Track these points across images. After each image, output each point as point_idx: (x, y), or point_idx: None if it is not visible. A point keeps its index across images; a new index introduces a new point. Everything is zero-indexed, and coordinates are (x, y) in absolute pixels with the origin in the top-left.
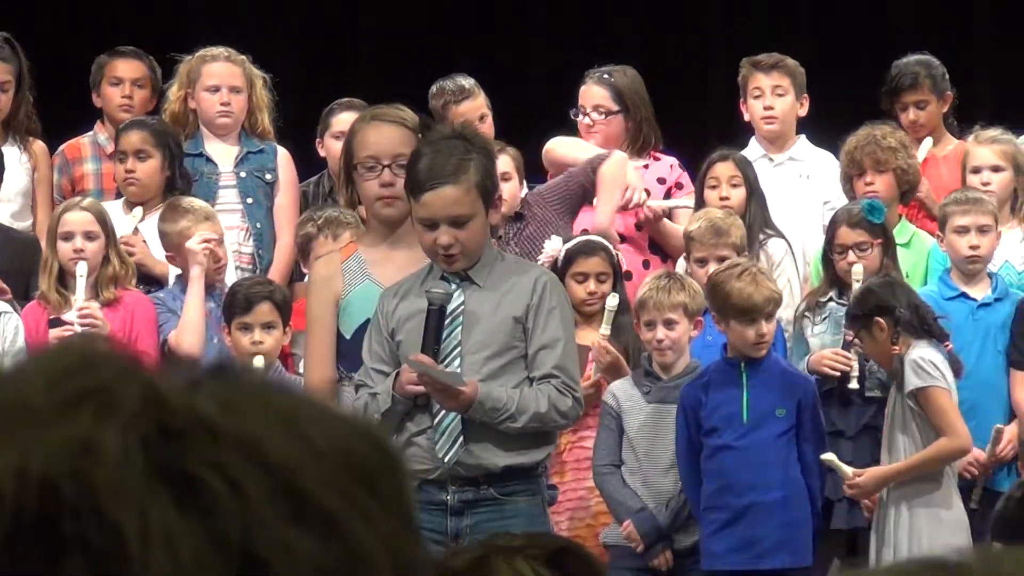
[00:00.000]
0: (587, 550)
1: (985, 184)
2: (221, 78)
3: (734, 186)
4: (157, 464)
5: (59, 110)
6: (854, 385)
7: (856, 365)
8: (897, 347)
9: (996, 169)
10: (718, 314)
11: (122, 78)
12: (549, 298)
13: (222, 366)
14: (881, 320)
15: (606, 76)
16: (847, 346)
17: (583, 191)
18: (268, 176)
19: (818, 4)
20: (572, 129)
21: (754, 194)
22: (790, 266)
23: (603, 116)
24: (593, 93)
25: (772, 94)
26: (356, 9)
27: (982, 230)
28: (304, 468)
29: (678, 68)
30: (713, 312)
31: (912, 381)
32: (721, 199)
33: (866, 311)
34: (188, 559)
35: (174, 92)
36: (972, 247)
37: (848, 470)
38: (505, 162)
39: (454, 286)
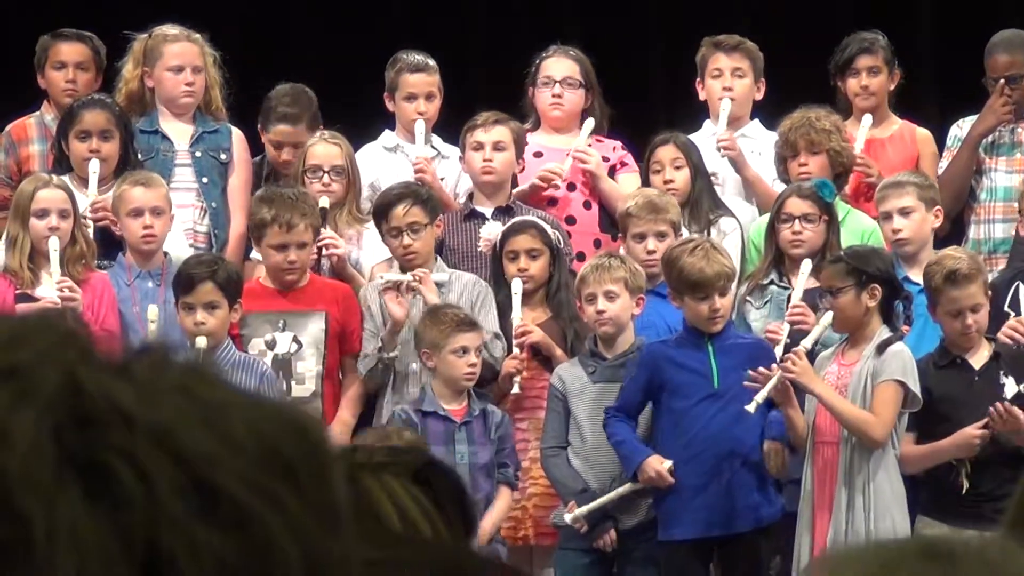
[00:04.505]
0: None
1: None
2: (184, 58)
3: (677, 168)
4: (69, 453)
5: (4, 90)
6: (779, 351)
7: (785, 332)
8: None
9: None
10: (673, 290)
11: (65, 62)
12: None
13: (149, 349)
14: (878, 288)
15: (571, 51)
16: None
17: None
18: (223, 156)
19: None
20: (512, 107)
21: (699, 174)
22: (739, 244)
23: (574, 88)
24: (563, 65)
25: (732, 75)
26: None
27: (903, 212)
28: (219, 461)
29: (622, 52)
30: (669, 288)
31: (895, 372)
32: (665, 182)
33: (868, 272)
34: (93, 553)
35: (130, 71)
36: (895, 230)
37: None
38: (502, 133)
39: None
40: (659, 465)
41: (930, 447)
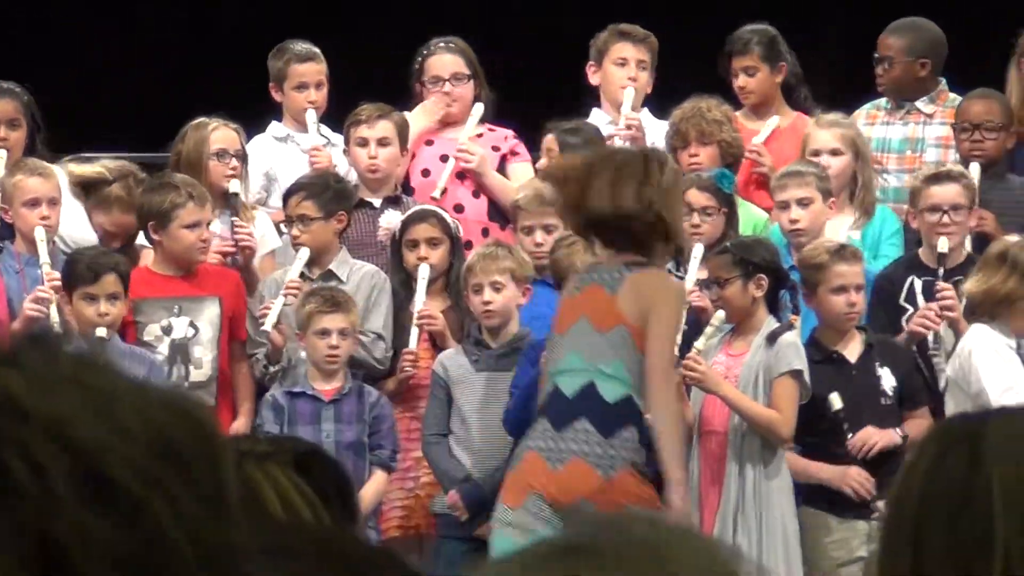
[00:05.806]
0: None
1: (824, 168)
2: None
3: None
4: None
5: None
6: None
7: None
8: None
9: (835, 153)
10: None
11: None
12: None
13: (40, 339)
14: (764, 278)
15: (452, 44)
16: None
17: None
18: None
19: None
20: (402, 100)
21: None
22: None
23: (464, 81)
24: (447, 61)
25: (637, 66)
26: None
27: (801, 203)
28: (111, 451)
29: (518, 38)
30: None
31: (793, 362)
32: (536, 172)
33: (754, 263)
34: None
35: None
36: (792, 221)
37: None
38: (386, 128)
39: None
40: None
41: (817, 467)
